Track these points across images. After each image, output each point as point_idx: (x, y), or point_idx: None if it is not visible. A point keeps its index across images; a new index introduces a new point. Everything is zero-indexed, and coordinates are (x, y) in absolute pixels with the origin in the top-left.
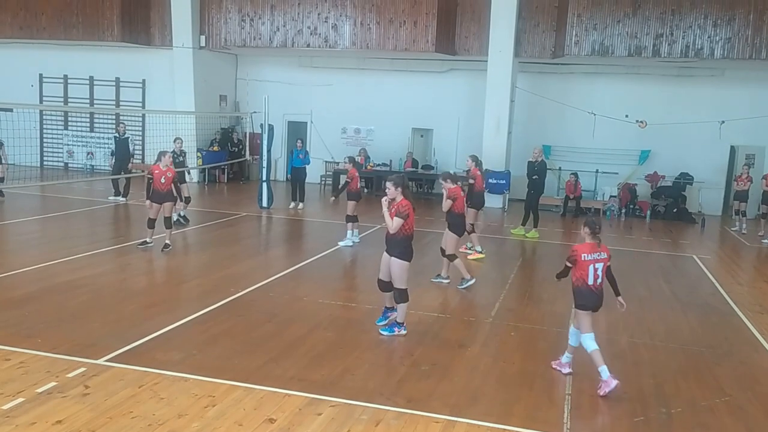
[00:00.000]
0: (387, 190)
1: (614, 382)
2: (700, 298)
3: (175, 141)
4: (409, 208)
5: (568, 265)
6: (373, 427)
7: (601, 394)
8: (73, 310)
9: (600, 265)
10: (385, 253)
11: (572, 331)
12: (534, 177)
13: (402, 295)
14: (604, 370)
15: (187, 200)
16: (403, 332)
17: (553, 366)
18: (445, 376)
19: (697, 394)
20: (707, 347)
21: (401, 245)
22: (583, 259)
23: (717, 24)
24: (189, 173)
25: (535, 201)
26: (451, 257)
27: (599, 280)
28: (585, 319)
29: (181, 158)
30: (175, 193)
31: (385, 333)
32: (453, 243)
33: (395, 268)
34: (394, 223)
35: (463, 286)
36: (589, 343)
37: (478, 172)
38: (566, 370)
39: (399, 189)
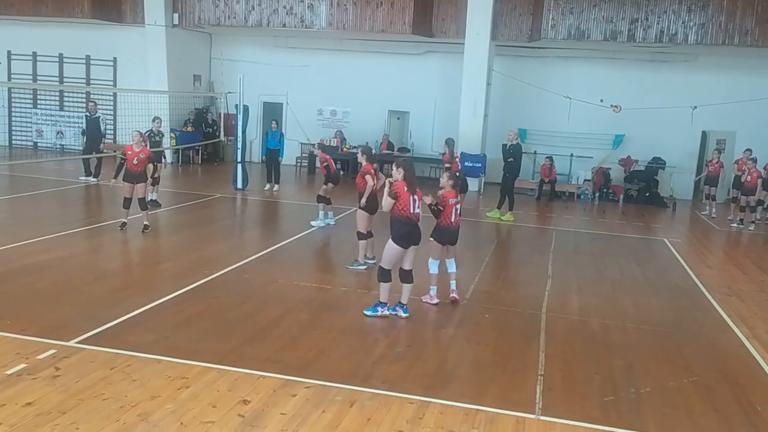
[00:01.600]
0: (391, 171)
1: (436, 300)
2: (671, 280)
3: (153, 120)
4: (401, 190)
5: (440, 208)
6: (347, 408)
7: (424, 300)
8: (43, 292)
9: (459, 207)
10: None
11: (431, 261)
12: (509, 160)
13: (383, 274)
14: (433, 289)
15: (156, 181)
16: (387, 312)
17: (423, 300)
18: (419, 358)
19: (666, 374)
20: (676, 329)
21: (395, 226)
22: (450, 202)
23: (691, 10)
24: (164, 155)
25: (511, 184)
26: (359, 235)
27: (457, 219)
28: (438, 248)
29: (158, 138)
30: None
31: (368, 313)
32: (364, 221)
33: (386, 249)
34: (384, 202)
35: (351, 266)
36: (433, 267)
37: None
38: (434, 300)
39: (400, 170)
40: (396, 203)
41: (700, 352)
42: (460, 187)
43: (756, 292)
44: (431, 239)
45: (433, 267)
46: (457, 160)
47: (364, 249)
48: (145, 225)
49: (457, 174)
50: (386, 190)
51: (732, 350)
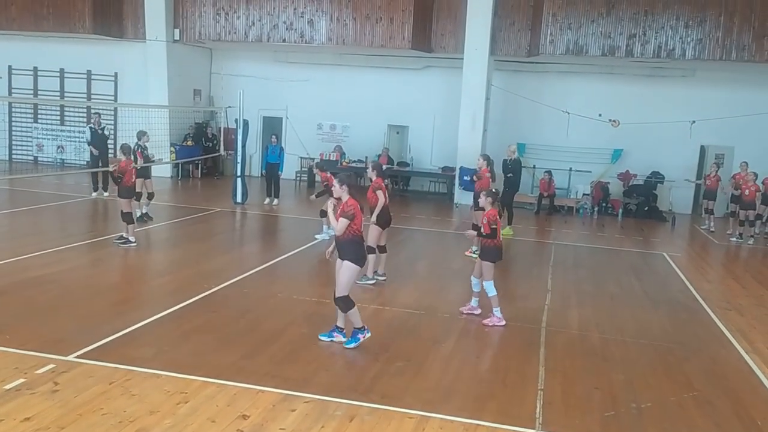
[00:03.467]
0: (332, 188)
1: (504, 321)
2: (670, 295)
3: (144, 135)
4: (355, 208)
5: (494, 227)
6: (347, 422)
7: (489, 324)
8: (42, 306)
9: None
10: (338, 259)
11: (490, 284)
12: (509, 175)
13: (346, 303)
14: (497, 310)
15: (150, 196)
16: (368, 335)
17: (489, 324)
18: (419, 372)
19: (667, 389)
20: (677, 343)
21: (352, 248)
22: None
23: (689, 25)
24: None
25: (510, 198)
26: (369, 250)
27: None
28: (493, 269)
29: (145, 152)
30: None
31: (351, 345)
32: (375, 235)
33: (345, 272)
34: (339, 224)
35: (360, 281)
36: (493, 289)
37: (488, 174)
38: (502, 322)
39: (345, 187)
40: (351, 223)
41: (701, 367)
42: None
43: (755, 306)
44: (486, 262)
45: (494, 288)
46: (487, 174)
47: (374, 264)
48: (120, 236)
49: (494, 191)
50: (330, 212)
51: (732, 365)
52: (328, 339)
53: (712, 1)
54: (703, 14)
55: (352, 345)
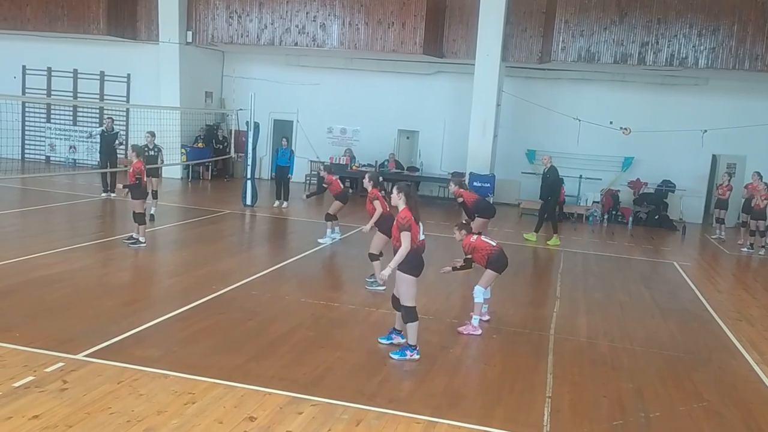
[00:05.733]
0: (391, 196)
1: (480, 330)
2: (680, 304)
3: (151, 134)
4: (410, 219)
5: (469, 257)
6: (353, 426)
7: (465, 332)
8: (51, 305)
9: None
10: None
11: (481, 290)
12: (549, 184)
13: (410, 314)
14: (476, 319)
15: (155, 194)
16: (416, 357)
17: (464, 332)
18: (426, 377)
19: (676, 399)
20: (686, 353)
21: (408, 258)
22: (482, 240)
23: (702, 34)
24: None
25: (553, 208)
26: (372, 256)
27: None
28: (493, 277)
29: (153, 153)
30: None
31: (395, 357)
32: (381, 243)
33: (401, 283)
34: (403, 241)
35: (371, 287)
36: (482, 295)
37: (461, 190)
38: (478, 331)
39: (402, 195)
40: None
41: (710, 377)
42: (488, 213)
43: (766, 317)
44: (490, 270)
45: (482, 295)
46: (465, 191)
47: (379, 269)
48: (130, 236)
49: (464, 222)
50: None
51: (742, 375)
52: (387, 342)
53: (726, 10)
54: (717, 23)
55: (397, 357)
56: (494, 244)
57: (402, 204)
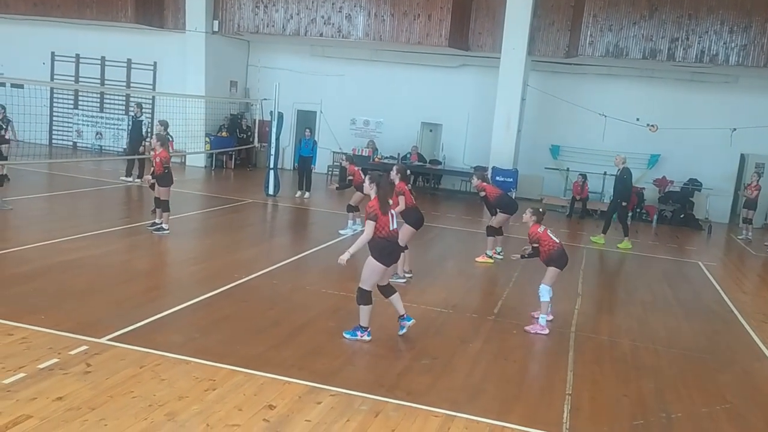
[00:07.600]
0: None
1: (547, 330)
2: (704, 304)
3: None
4: (376, 209)
5: (536, 246)
6: (372, 418)
7: (532, 331)
8: (76, 289)
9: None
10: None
11: (546, 288)
12: (624, 185)
13: (363, 296)
14: (543, 318)
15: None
16: (367, 338)
17: (532, 331)
18: (445, 371)
19: (698, 400)
20: (709, 354)
21: (377, 246)
22: (548, 234)
23: (733, 30)
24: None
25: (625, 211)
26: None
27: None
28: (557, 275)
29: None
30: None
31: (347, 336)
32: (408, 235)
33: (366, 267)
34: (366, 229)
35: (391, 279)
36: (548, 294)
37: (483, 184)
38: (546, 330)
39: (374, 185)
40: (375, 224)
41: (734, 379)
42: (510, 208)
43: None
44: (552, 267)
45: (548, 294)
46: (488, 185)
47: (402, 262)
48: (153, 222)
49: (540, 210)
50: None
51: (766, 378)
52: (403, 331)
53: (758, 6)
54: (749, 20)
55: (348, 336)
56: (557, 241)
57: (373, 194)
